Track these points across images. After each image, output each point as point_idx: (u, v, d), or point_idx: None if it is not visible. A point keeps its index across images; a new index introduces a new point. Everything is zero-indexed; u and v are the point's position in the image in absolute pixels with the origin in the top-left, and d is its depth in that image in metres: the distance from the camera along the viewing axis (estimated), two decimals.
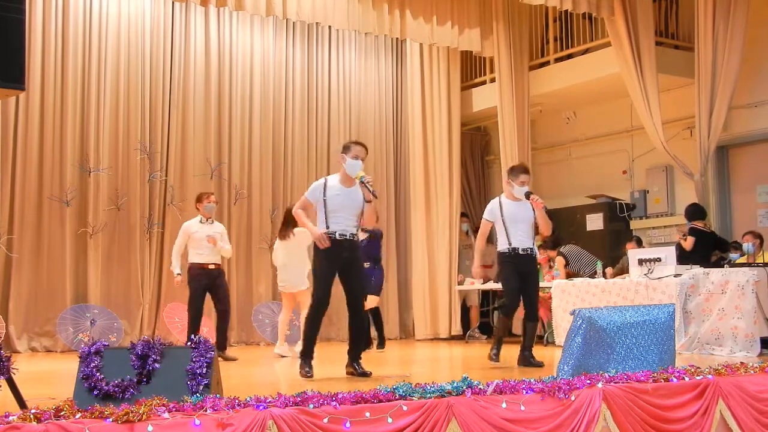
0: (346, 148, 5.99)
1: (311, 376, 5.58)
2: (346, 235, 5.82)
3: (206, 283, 7.87)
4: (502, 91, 10.75)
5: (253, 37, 10.81)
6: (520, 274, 6.61)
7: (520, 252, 6.63)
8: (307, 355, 5.75)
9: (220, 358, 5.37)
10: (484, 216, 6.82)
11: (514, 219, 6.64)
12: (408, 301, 11.51)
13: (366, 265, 8.77)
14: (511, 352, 6.90)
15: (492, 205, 6.80)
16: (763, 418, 4.41)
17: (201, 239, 7.88)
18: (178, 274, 7.93)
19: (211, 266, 7.90)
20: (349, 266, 5.86)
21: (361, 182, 5.83)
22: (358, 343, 5.99)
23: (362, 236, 8.88)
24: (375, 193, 5.86)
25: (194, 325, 7.75)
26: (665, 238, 10.38)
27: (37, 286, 9.17)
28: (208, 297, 7.99)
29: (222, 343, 7.79)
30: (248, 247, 10.57)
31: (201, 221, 7.99)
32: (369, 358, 8.12)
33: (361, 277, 6.03)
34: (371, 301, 8.90)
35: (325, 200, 5.84)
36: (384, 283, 9.29)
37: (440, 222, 11.27)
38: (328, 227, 5.79)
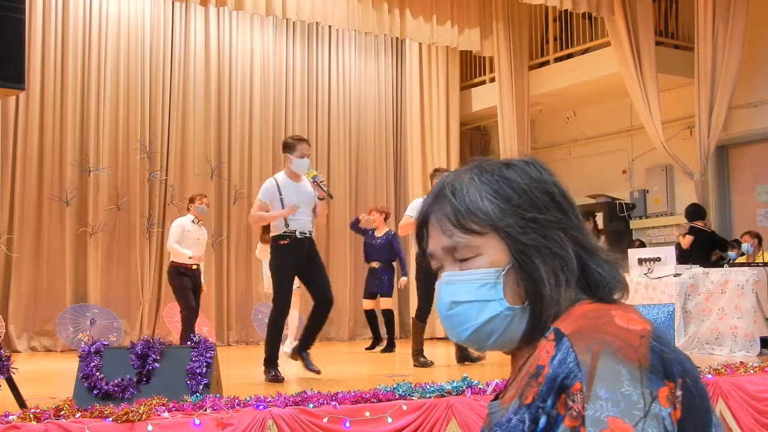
0: (289, 147, 5.82)
1: (282, 379, 5.52)
2: (305, 233, 5.75)
3: (191, 282, 7.75)
4: (502, 90, 10.75)
5: (253, 37, 10.82)
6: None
7: None
8: (273, 360, 5.64)
9: None
10: (408, 213, 6.97)
11: None
12: (407, 302, 11.49)
13: (375, 265, 8.81)
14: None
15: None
16: (762, 417, 4.41)
17: (190, 239, 7.78)
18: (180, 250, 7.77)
19: (194, 266, 7.79)
20: (310, 264, 5.79)
21: (314, 182, 5.77)
22: (314, 335, 5.89)
23: (379, 234, 8.89)
24: (330, 193, 5.83)
25: (191, 323, 7.59)
26: (665, 237, 10.37)
27: (37, 285, 9.17)
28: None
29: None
30: (248, 247, 10.57)
31: (193, 221, 7.90)
32: (369, 358, 8.14)
33: (323, 270, 5.92)
34: (384, 303, 8.91)
35: (281, 198, 5.75)
36: (394, 282, 9.26)
37: None
38: (287, 225, 5.69)
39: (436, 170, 7.00)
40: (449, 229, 1.06)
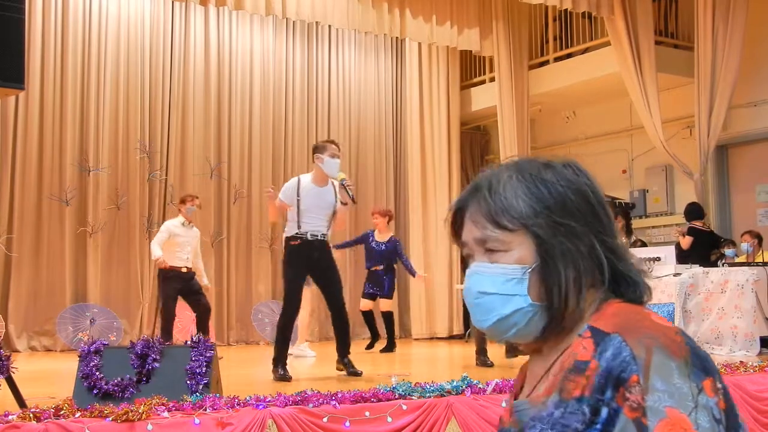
0: (321, 148, 5.88)
1: (290, 378, 5.55)
2: (317, 236, 5.80)
3: (180, 286, 7.68)
4: (502, 90, 10.75)
5: (252, 36, 10.82)
6: None
7: None
8: (281, 359, 5.69)
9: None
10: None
11: None
12: (406, 301, 11.51)
13: (379, 268, 8.79)
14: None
15: None
16: (762, 417, 4.41)
17: (181, 243, 7.70)
18: (160, 255, 7.58)
19: (184, 269, 7.73)
20: (321, 267, 5.85)
21: (342, 185, 5.79)
22: (345, 341, 5.96)
23: (381, 239, 8.85)
24: (354, 198, 5.85)
25: (169, 330, 7.54)
26: (665, 237, 10.38)
27: (36, 285, 9.17)
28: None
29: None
30: (248, 247, 10.57)
31: (183, 224, 7.82)
32: (369, 358, 8.13)
33: (336, 274, 5.98)
34: (384, 305, 8.90)
35: (298, 200, 5.80)
36: (396, 286, 9.24)
37: (440, 222, 11.26)
38: (299, 227, 5.77)
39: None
40: (482, 223, 1.12)
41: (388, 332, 8.90)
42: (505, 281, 1.09)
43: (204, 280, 8.08)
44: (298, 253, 5.75)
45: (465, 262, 1.19)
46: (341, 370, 5.90)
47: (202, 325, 7.74)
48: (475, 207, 1.13)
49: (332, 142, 6.05)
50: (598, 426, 0.98)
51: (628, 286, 1.11)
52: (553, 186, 1.11)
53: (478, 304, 1.13)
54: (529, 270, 1.09)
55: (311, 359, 7.83)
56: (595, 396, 0.99)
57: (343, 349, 5.90)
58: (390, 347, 8.81)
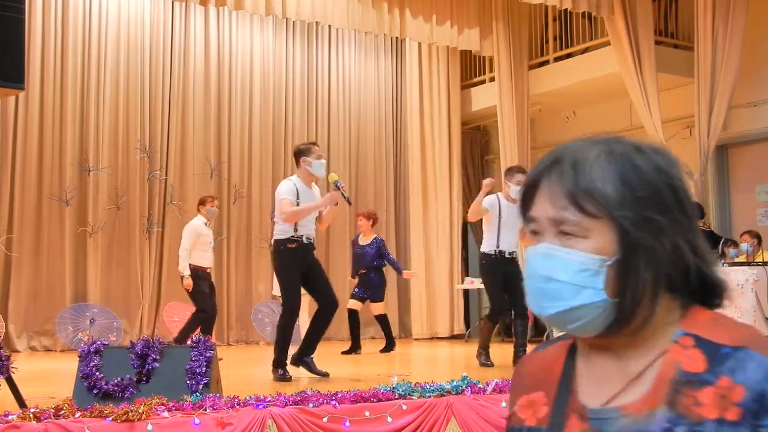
0: (305, 152, 5.92)
1: (290, 378, 5.60)
2: (311, 239, 5.87)
3: (208, 285, 7.84)
4: (502, 90, 10.74)
5: (252, 36, 10.82)
6: (504, 274, 6.64)
7: (506, 255, 6.67)
8: (282, 361, 5.74)
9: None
10: (483, 204, 6.72)
11: (507, 221, 6.64)
12: (407, 301, 11.50)
13: (365, 271, 8.77)
14: (506, 351, 6.90)
15: (492, 199, 6.77)
16: None
17: (206, 243, 7.85)
18: (189, 275, 7.68)
19: (209, 270, 7.92)
20: (312, 268, 5.90)
21: (336, 187, 5.84)
22: (316, 342, 5.98)
23: (365, 241, 8.83)
24: (350, 200, 5.88)
25: (209, 326, 7.64)
26: None
27: (36, 285, 9.18)
28: None
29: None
30: (248, 247, 10.57)
31: (206, 224, 7.96)
32: (369, 358, 8.14)
33: (324, 273, 6.06)
34: (376, 309, 8.86)
35: (298, 202, 5.82)
36: (385, 288, 9.18)
37: (440, 221, 11.27)
38: (296, 230, 5.78)
39: (509, 169, 6.98)
40: (562, 203, 1.00)
41: (385, 334, 8.88)
42: (579, 270, 0.98)
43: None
44: (295, 255, 5.78)
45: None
46: (298, 366, 5.83)
47: (206, 327, 7.77)
48: (555, 183, 1.01)
49: (313, 143, 6.12)
50: None
51: (711, 290, 1.02)
52: (645, 175, 1.00)
53: (543, 290, 1.01)
54: (608, 263, 0.98)
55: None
56: (750, 421, 0.90)
57: (311, 350, 5.91)
58: (389, 347, 8.79)
